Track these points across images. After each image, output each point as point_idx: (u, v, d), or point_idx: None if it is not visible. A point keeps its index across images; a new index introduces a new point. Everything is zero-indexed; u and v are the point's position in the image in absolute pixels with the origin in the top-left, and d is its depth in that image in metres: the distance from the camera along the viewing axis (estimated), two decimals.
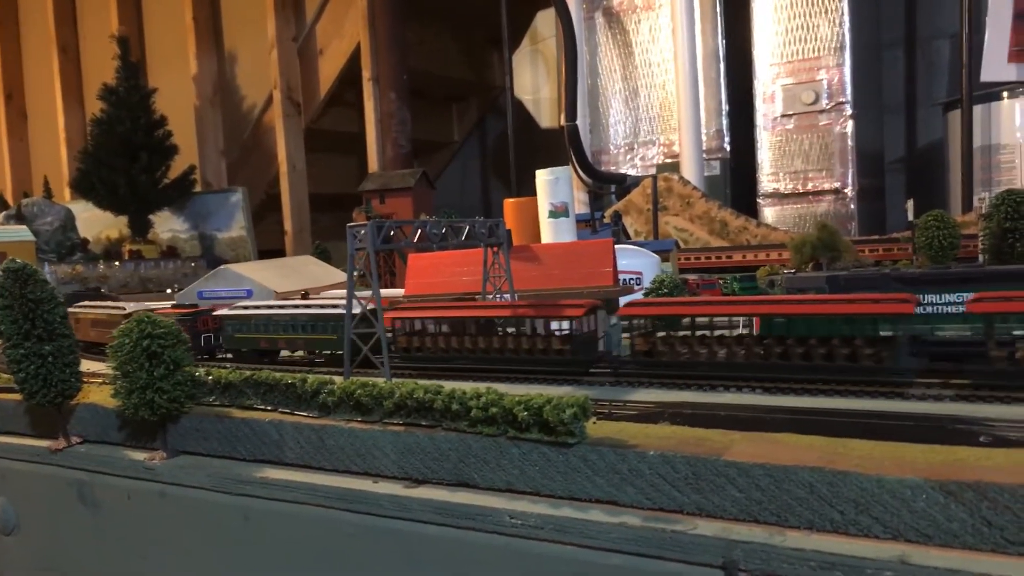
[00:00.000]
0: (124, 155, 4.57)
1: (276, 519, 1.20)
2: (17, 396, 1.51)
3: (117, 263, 4.40)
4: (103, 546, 1.47)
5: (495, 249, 1.72)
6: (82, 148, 4.83)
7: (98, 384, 1.64)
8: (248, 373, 1.33)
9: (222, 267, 2.54)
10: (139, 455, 1.39)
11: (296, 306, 1.84)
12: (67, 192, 5.77)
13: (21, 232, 3.75)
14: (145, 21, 6.31)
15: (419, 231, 1.49)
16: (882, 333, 1.19)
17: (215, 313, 1.96)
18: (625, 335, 1.50)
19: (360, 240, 1.39)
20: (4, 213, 4.53)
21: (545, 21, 5.49)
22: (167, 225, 5.17)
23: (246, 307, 1.93)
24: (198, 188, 5.31)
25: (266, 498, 1.21)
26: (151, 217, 4.93)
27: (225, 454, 1.32)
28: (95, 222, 4.99)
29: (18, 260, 1.37)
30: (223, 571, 1.29)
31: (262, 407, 1.31)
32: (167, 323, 1.29)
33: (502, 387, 1.09)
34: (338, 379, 1.24)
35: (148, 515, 1.37)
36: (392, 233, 1.43)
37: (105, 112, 4.63)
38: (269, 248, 5.40)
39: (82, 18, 6.68)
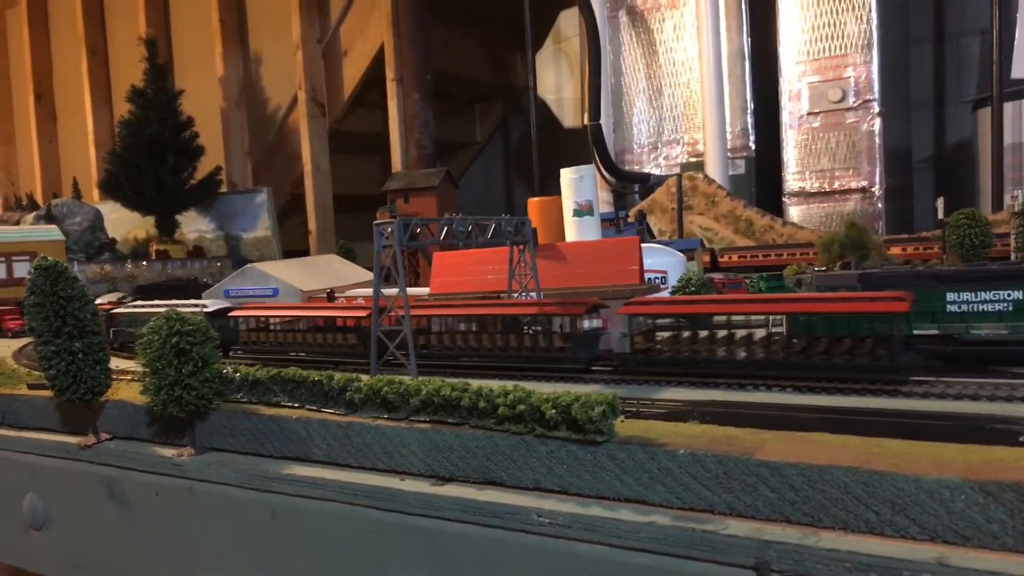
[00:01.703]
0: (152, 156, 4.63)
1: (303, 516, 1.20)
2: (48, 392, 1.53)
3: (145, 263, 4.45)
4: (132, 542, 1.48)
5: (521, 247, 1.71)
6: (110, 149, 4.89)
7: (127, 381, 1.66)
8: (276, 371, 1.34)
9: (249, 266, 2.56)
10: (167, 451, 1.40)
11: (168, 306, 2.07)
12: (96, 193, 5.85)
13: (51, 232, 3.81)
14: (172, 23, 6.39)
15: (445, 229, 1.49)
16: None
17: (113, 311, 2.27)
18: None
19: (387, 238, 1.39)
20: (35, 213, 4.61)
21: (568, 20, 5.49)
22: (193, 225, 5.23)
23: (133, 307, 2.23)
24: (224, 189, 5.37)
25: (293, 495, 1.21)
26: (178, 217, 4.98)
27: (253, 451, 1.32)
28: (123, 222, 5.05)
29: (49, 258, 1.38)
30: (250, 567, 1.30)
31: (289, 404, 1.31)
32: (196, 320, 1.30)
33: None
34: (365, 377, 1.24)
35: (176, 511, 1.38)
36: (418, 231, 1.44)
37: (133, 114, 4.69)
38: (294, 248, 5.44)
39: (110, 20, 6.77)
